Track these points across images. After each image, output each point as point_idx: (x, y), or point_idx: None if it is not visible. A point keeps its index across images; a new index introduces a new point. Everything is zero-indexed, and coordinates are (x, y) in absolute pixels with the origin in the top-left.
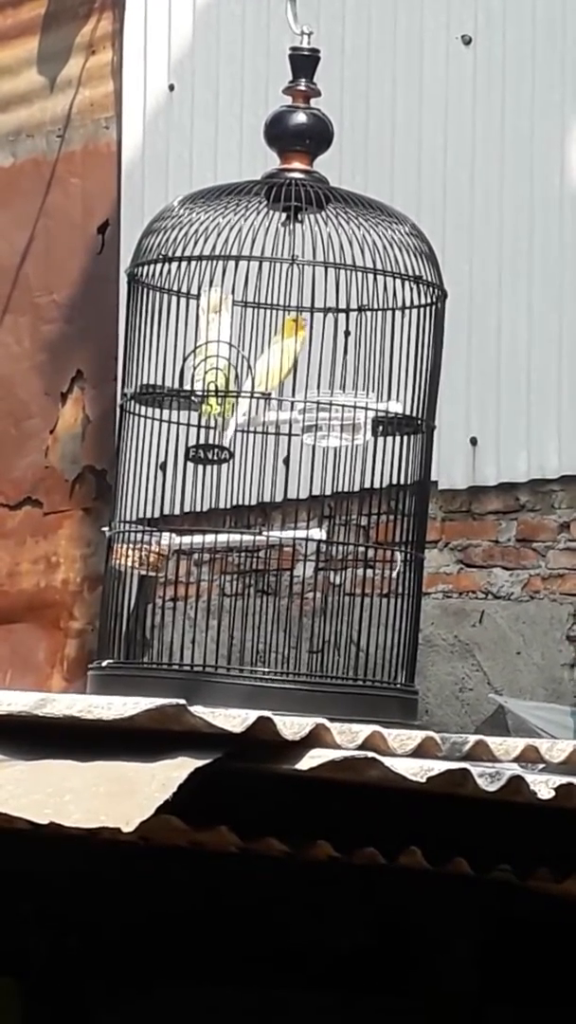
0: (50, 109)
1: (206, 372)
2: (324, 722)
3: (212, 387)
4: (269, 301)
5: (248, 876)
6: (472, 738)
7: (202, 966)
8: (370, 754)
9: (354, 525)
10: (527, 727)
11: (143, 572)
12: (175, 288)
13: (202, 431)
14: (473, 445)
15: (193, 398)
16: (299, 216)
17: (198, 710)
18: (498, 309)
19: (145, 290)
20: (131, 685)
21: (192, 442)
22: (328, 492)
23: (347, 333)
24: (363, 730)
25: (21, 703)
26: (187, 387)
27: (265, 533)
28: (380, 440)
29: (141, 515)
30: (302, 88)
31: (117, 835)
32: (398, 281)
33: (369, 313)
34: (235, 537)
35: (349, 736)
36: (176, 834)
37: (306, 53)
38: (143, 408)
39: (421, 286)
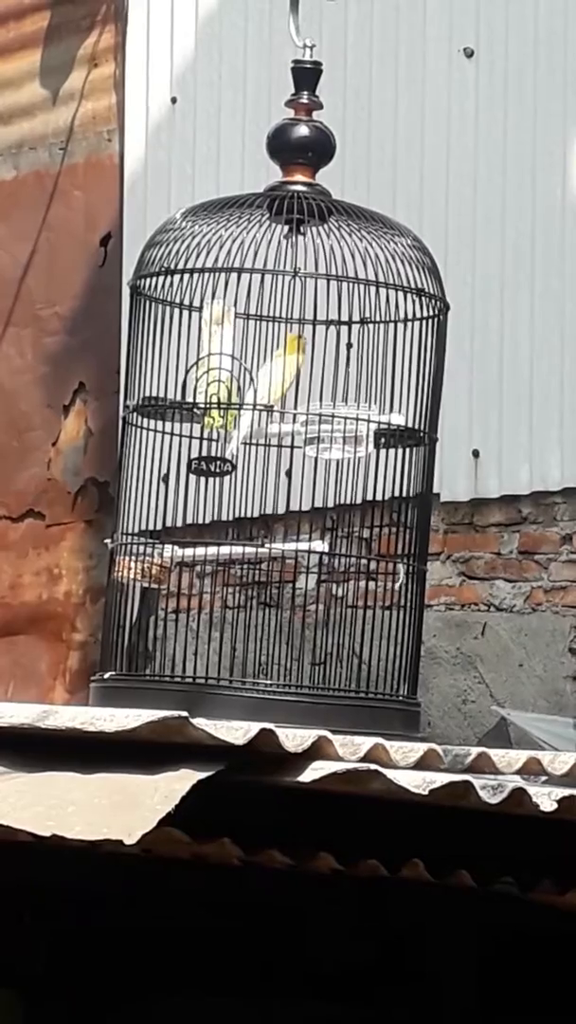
0: (52, 122)
1: (208, 384)
2: (326, 734)
3: (214, 399)
4: (271, 313)
5: (250, 888)
6: (474, 750)
7: (204, 978)
8: (372, 766)
9: (356, 537)
10: (529, 739)
11: (145, 584)
12: (177, 300)
13: (204, 443)
14: (475, 457)
15: (195, 410)
16: (301, 228)
17: (200, 722)
18: (500, 321)
19: (147, 302)
20: (133, 697)
21: (194, 454)
22: (330, 504)
23: (349, 345)
24: (365, 742)
25: (24, 715)
26: (189, 399)
27: (267, 545)
28: (382, 452)
29: (143, 527)
30: (304, 101)
31: (119, 847)
32: (400, 294)
33: (371, 325)
34: (237, 549)
35: (351, 748)
36: (178, 846)
37: (308, 66)
38: (145, 420)
39: (423, 299)
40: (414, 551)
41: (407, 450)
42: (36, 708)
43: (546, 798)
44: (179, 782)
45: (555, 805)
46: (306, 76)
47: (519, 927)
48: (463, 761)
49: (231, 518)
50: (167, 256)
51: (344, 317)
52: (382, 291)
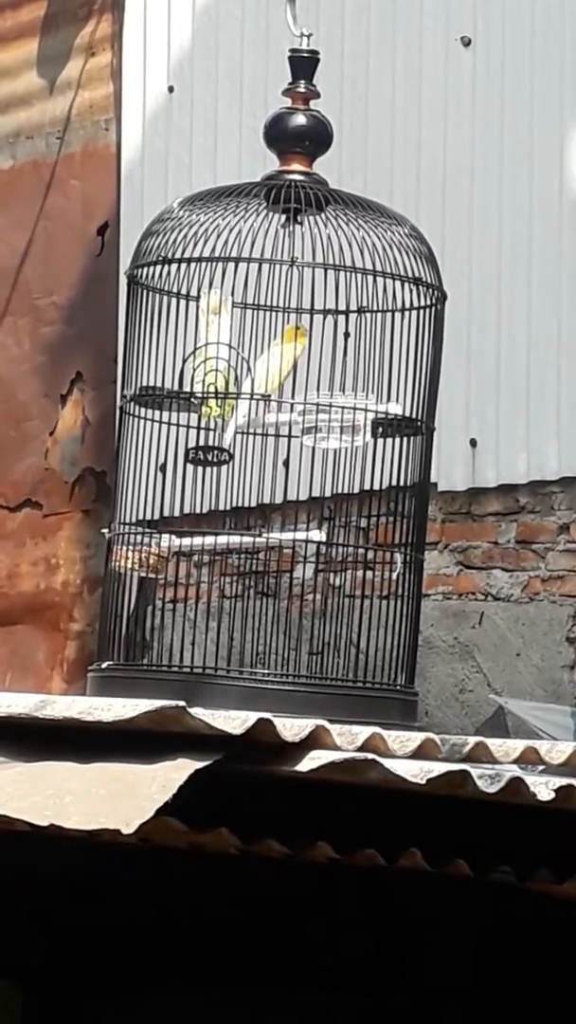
0: (49, 111)
1: (206, 374)
2: (324, 724)
3: (212, 389)
4: (269, 303)
5: (248, 878)
6: (472, 739)
7: (202, 967)
8: (370, 756)
9: (354, 527)
10: (527, 728)
11: (143, 574)
12: (175, 290)
13: (202, 433)
14: (473, 447)
15: (193, 400)
16: (299, 218)
17: (198, 712)
18: (497, 310)
19: (145, 292)
20: (131, 687)
21: (192, 444)
22: (328, 494)
23: (347, 335)
24: (363, 732)
25: (21, 705)
26: (187, 389)
27: (265, 535)
28: (380, 442)
29: (141, 517)
30: (301, 90)
31: (117, 837)
32: (398, 283)
33: (369, 315)
34: (235, 539)
35: (349, 738)
36: (176, 836)
37: (305, 55)
38: (143, 410)
39: (421, 288)
40: (411, 540)
41: (404, 439)
42: (34, 698)
43: (543, 787)
44: (177, 771)
45: (552, 794)
46: (303, 65)
47: (516, 916)
48: (460, 750)
49: (228, 507)
50: (164, 245)
51: (342, 306)
52: (379, 280)
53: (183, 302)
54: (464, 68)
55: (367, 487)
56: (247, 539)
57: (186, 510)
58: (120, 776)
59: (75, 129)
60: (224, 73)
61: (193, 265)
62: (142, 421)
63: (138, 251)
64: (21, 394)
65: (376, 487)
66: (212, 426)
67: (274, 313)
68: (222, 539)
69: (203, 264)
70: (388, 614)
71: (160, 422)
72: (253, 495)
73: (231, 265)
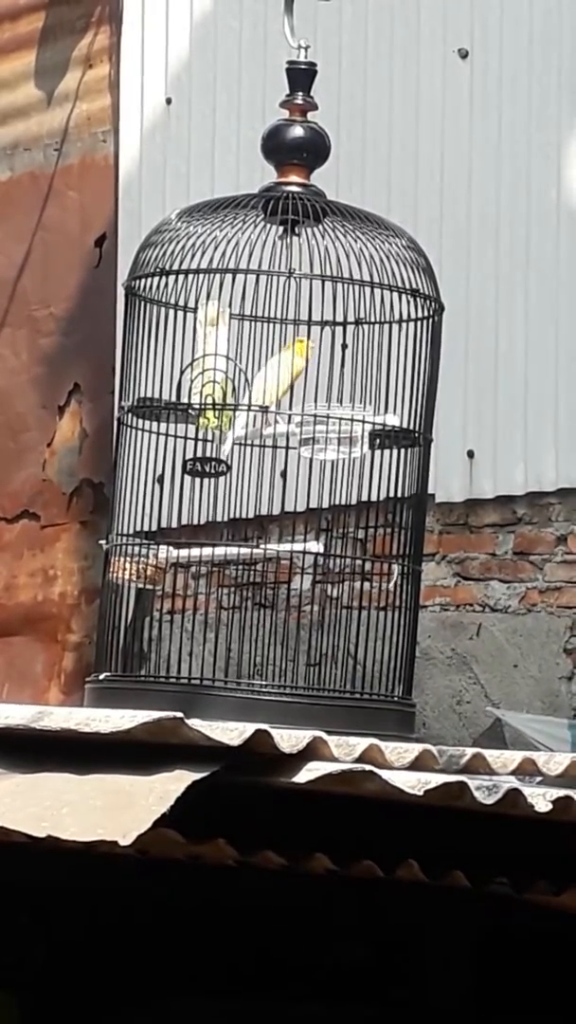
0: (47, 123)
1: (203, 385)
2: (321, 735)
3: (209, 400)
4: (266, 314)
5: (246, 889)
6: (469, 751)
7: (200, 978)
8: (367, 767)
9: (351, 538)
10: (524, 740)
11: (140, 585)
12: (172, 301)
13: (199, 444)
14: (470, 458)
15: (190, 411)
16: (296, 229)
17: (195, 723)
18: (495, 322)
19: (142, 303)
20: (128, 698)
21: (189, 455)
22: (325, 505)
23: (344, 346)
24: (360, 743)
25: (19, 716)
26: (184, 400)
27: (263, 546)
28: (377, 453)
29: (138, 528)
30: (299, 102)
31: (115, 848)
32: (395, 294)
33: (366, 326)
34: (232, 550)
35: (346, 749)
36: (174, 847)
37: (303, 67)
38: (140, 421)
39: (418, 299)
40: (409, 552)
41: (402, 451)
42: (31, 709)
43: (541, 799)
44: (174, 783)
45: (550, 806)
46: (301, 77)
47: (514, 928)
48: (458, 762)
49: (226, 519)
50: (162, 257)
51: (339, 318)
52: (377, 292)
53: (181, 314)
54: (461, 80)
55: (364, 499)
56: (245, 550)
57: (184, 521)
58: (117, 788)
59: (73, 141)
60: (222, 85)
61: (191, 277)
62: (140, 432)
63: (136, 263)
64: (19, 405)
65: (374, 498)
66: (210, 437)
67: (272, 325)
68: (220, 550)
69: (201, 276)
70: (385, 625)
71: (158, 433)
72: (251, 506)
73: (229, 277)
